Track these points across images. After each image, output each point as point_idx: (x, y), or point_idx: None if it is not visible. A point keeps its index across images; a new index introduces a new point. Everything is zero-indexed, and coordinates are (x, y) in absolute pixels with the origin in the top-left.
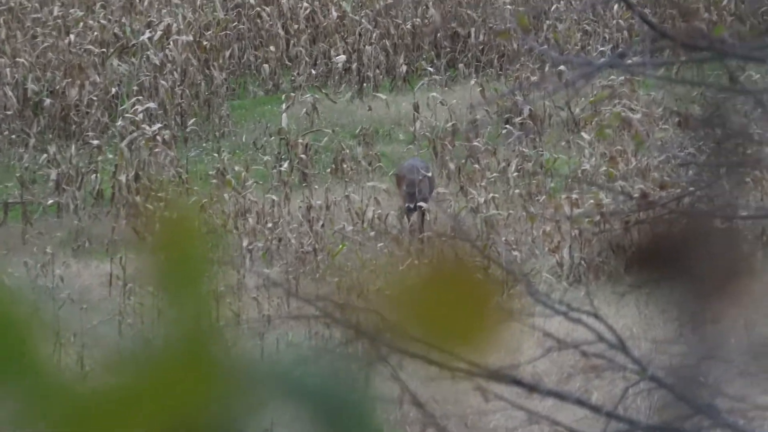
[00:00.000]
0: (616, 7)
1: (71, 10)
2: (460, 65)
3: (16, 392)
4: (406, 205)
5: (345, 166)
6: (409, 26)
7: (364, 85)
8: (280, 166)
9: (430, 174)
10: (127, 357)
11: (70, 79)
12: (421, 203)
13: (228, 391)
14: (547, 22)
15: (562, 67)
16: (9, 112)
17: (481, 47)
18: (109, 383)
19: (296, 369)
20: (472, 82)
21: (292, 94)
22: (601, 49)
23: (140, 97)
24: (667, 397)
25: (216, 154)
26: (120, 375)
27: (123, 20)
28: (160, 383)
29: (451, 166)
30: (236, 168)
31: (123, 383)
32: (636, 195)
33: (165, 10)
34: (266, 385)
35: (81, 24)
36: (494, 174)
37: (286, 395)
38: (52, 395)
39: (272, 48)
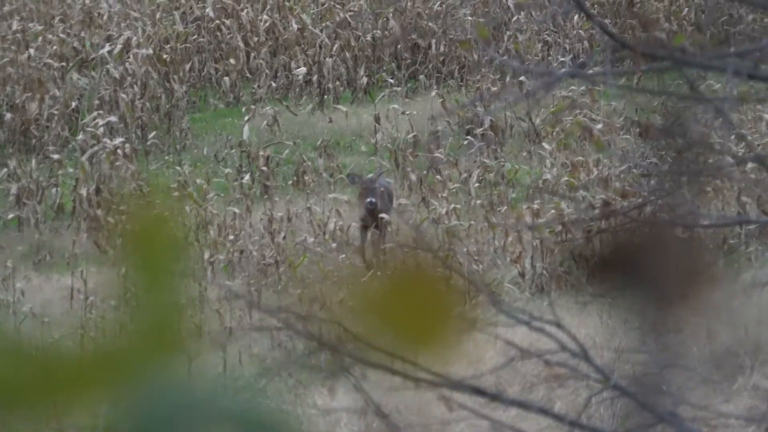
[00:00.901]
0: (576, 17)
1: (30, 24)
2: (421, 76)
3: None
4: (367, 200)
5: (306, 178)
6: (369, 38)
7: (325, 97)
8: (242, 178)
9: (389, 183)
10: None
11: (29, 93)
12: (382, 215)
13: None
14: (508, 32)
15: (522, 78)
16: None
17: (441, 58)
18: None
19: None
20: (433, 93)
21: (253, 107)
22: (562, 59)
23: (101, 111)
24: (630, 406)
25: (177, 167)
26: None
27: (82, 34)
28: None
29: (413, 177)
30: (197, 181)
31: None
32: (597, 204)
33: (124, 24)
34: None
35: (40, 38)
36: (456, 185)
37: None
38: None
39: (232, 61)
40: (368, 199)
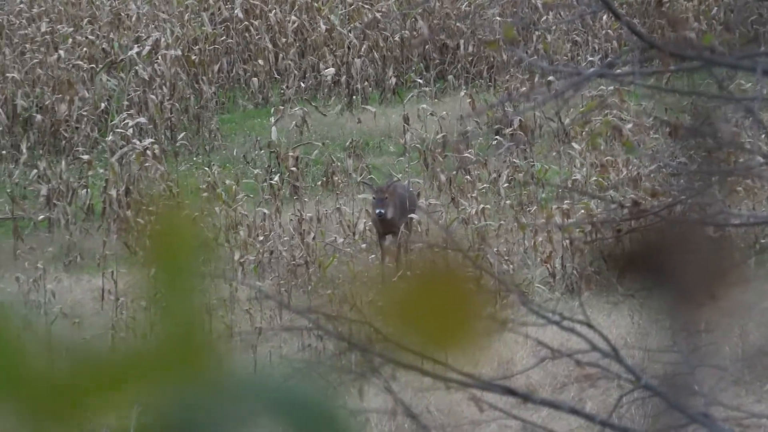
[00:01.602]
0: (605, 17)
1: (59, 26)
2: (450, 77)
3: (8, 406)
4: (376, 210)
5: (335, 178)
6: (397, 38)
7: (354, 97)
8: (271, 179)
9: (408, 188)
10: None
11: (59, 95)
12: (394, 224)
13: (218, 402)
14: (537, 32)
15: (551, 78)
16: None
17: (470, 59)
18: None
19: (283, 384)
20: (462, 93)
21: (282, 108)
22: (591, 59)
23: (130, 112)
24: (661, 406)
25: (206, 168)
26: (108, 383)
27: (111, 35)
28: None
29: (442, 177)
30: (227, 181)
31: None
32: (627, 204)
33: (153, 25)
34: (254, 398)
35: (69, 40)
36: (485, 185)
37: (272, 409)
38: (41, 407)
39: (261, 62)
40: (377, 210)
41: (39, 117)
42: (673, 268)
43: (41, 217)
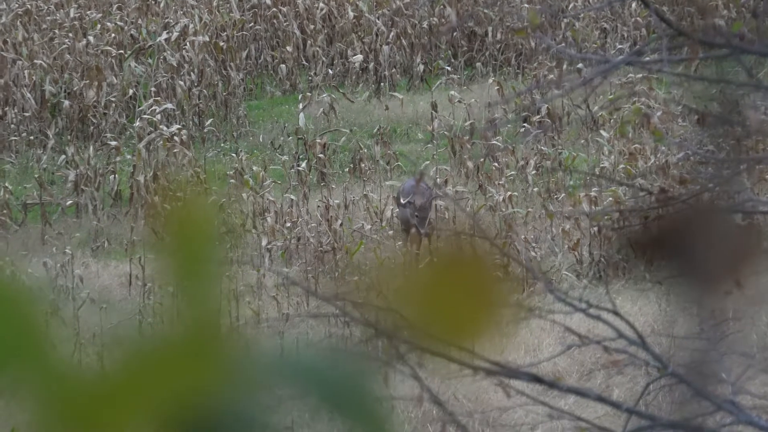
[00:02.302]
0: (633, 5)
1: (88, 12)
2: (478, 64)
3: (34, 391)
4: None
5: (363, 165)
6: (425, 25)
7: (381, 84)
8: (298, 165)
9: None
10: (142, 354)
11: (87, 81)
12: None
13: (246, 385)
14: (565, 20)
15: (579, 65)
16: (27, 114)
17: (498, 46)
18: (123, 380)
19: (314, 367)
20: (490, 80)
21: (309, 94)
22: (619, 46)
23: (158, 98)
24: (687, 394)
25: (234, 154)
26: (134, 371)
27: (139, 22)
28: (176, 379)
29: (470, 164)
30: (254, 168)
31: (138, 379)
32: (655, 192)
33: (181, 11)
34: (285, 382)
35: (98, 26)
36: (513, 172)
37: (304, 393)
38: (68, 393)
39: (289, 48)
40: (421, 229)
41: (67, 103)
42: (701, 256)
43: (69, 202)
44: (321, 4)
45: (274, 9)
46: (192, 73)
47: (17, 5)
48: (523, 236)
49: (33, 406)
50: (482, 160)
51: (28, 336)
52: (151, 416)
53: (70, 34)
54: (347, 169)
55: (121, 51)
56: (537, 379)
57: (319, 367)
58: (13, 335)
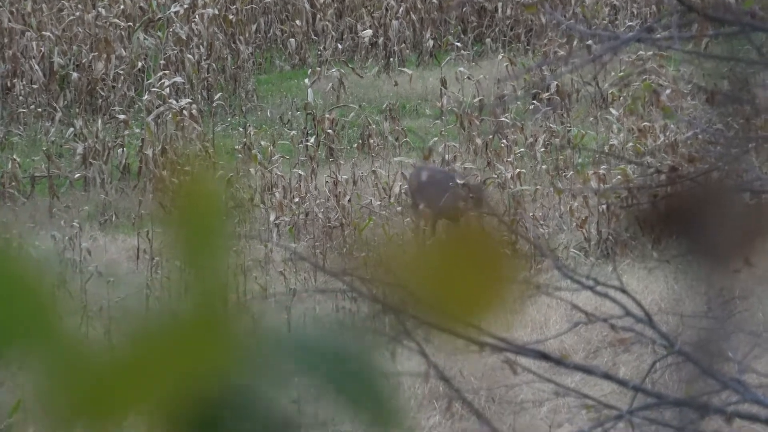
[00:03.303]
0: None
1: None
2: (488, 40)
3: (41, 363)
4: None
5: (372, 141)
6: (435, 1)
7: (391, 59)
8: (307, 140)
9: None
10: (149, 328)
11: (96, 53)
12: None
13: (253, 360)
14: None
15: (589, 42)
16: (35, 86)
17: (508, 22)
18: (131, 353)
19: (321, 343)
20: (500, 57)
21: (318, 69)
22: (629, 23)
23: (167, 71)
24: (694, 372)
25: (242, 129)
26: (141, 345)
27: None
28: (183, 354)
29: (478, 141)
30: (262, 143)
31: (145, 353)
32: (664, 170)
33: None
34: (291, 357)
35: None
36: (521, 149)
37: (310, 369)
38: (75, 366)
39: (298, 22)
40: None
41: (75, 75)
42: (709, 235)
43: (77, 175)
44: None
45: None
46: (201, 46)
47: None
48: (531, 213)
49: (41, 380)
50: (491, 137)
51: (38, 309)
52: (159, 390)
53: (80, 6)
54: (356, 145)
55: (131, 23)
56: (544, 356)
57: (326, 343)
58: (22, 308)
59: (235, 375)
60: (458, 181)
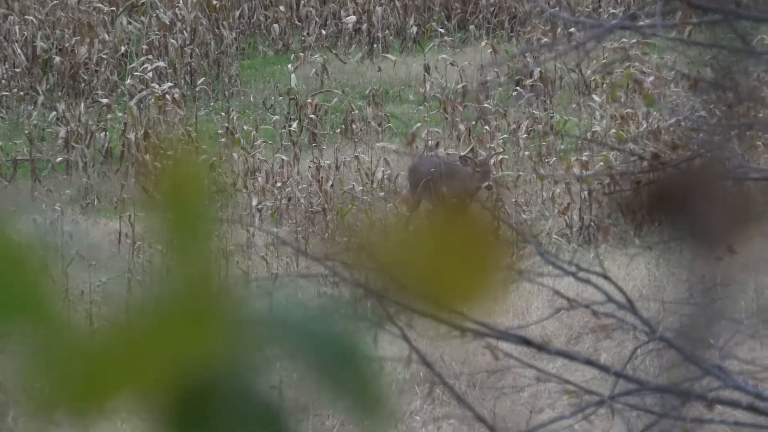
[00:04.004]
0: None
1: None
2: (471, 27)
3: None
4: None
5: (354, 126)
6: None
7: (374, 46)
8: (290, 126)
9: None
10: (133, 310)
11: (79, 37)
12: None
13: (235, 344)
14: None
15: (573, 29)
16: (18, 70)
17: (492, 9)
18: (115, 336)
19: (304, 326)
20: (483, 43)
21: (302, 55)
22: (613, 11)
23: (149, 56)
24: (675, 358)
25: (225, 113)
26: (125, 327)
27: None
28: (166, 335)
29: (462, 127)
30: (245, 127)
31: (128, 335)
32: (646, 157)
33: None
34: (273, 340)
35: None
36: (504, 135)
37: (293, 352)
38: (60, 347)
39: (282, 8)
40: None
41: (58, 59)
42: (692, 222)
43: (59, 159)
44: None
45: None
46: (184, 31)
47: None
48: (513, 199)
49: (25, 362)
50: (474, 123)
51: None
52: (143, 374)
53: None
54: (338, 130)
55: (114, 8)
56: (526, 342)
57: (309, 327)
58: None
59: (219, 359)
60: (464, 160)
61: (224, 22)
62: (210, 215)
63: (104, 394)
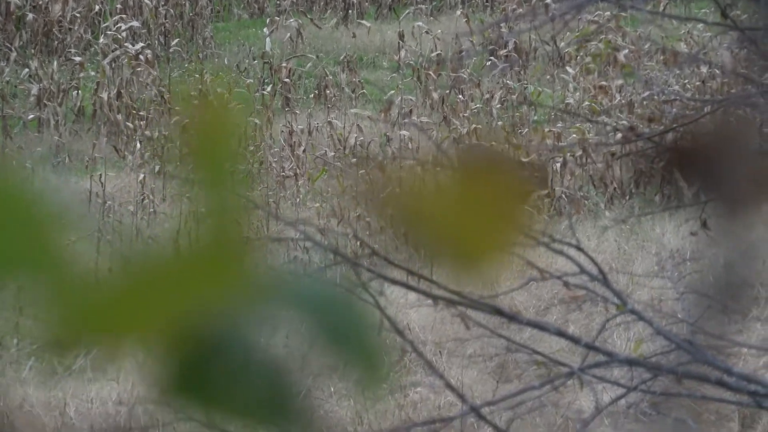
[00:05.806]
0: None
1: None
2: None
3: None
4: None
5: (328, 92)
6: None
7: (349, 11)
8: (263, 89)
9: None
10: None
11: None
12: None
13: (248, 300)
14: None
15: (548, 1)
16: None
17: None
18: (123, 280)
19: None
20: (458, 12)
21: (277, 18)
22: None
23: (123, 15)
24: (645, 331)
25: (198, 76)
26: (134, 272)
27: None
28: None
29: (435, 95)
30: (218, 90)
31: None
32: (621, 128)
33: None
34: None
35: None
36: (478, 105)
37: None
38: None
39: None
40: None
41: (32, 16)
42: (671, 194)
43: (31, 116)
44: None
45: None
46: None
47: None
48: None
49: (37, 309)
50: (448, 92)
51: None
52: (152, 320)
53: None
54: (312, 95)
55: None
56: (498, 312)
57: (320, 291)
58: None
59: (230, 313)
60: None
61: None
62: (239, 167)
63: (113, 334)
